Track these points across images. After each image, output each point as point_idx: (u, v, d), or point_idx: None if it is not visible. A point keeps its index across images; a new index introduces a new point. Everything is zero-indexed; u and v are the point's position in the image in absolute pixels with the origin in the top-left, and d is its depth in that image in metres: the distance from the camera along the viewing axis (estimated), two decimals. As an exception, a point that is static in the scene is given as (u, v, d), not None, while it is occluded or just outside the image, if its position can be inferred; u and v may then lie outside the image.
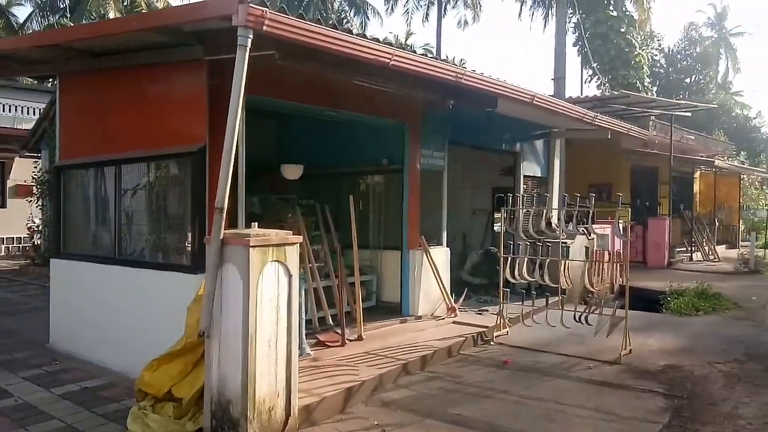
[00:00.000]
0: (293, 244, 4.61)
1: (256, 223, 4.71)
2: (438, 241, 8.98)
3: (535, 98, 7.72)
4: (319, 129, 9.46)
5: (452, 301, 8.76)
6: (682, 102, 14.91)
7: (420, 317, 8.36)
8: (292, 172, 7.89)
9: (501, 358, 6.91)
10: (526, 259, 7.79)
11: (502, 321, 7.97)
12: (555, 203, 11.74)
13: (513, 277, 7.89)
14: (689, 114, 20.89)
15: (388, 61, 5.46)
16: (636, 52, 29.06)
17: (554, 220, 11.27)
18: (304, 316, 6.26)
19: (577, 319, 7.35)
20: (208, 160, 5.61)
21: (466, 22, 35.30)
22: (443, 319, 8.40)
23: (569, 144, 19.36)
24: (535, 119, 10.44)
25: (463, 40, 67.61)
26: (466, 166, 11.78)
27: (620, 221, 13.58)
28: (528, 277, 7.81)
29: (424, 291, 8.49)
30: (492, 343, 7.67)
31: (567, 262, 7.66)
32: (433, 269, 8.49)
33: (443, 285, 8.54)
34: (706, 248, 18.79)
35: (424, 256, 8.48)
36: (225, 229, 4.42)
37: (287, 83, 6.35)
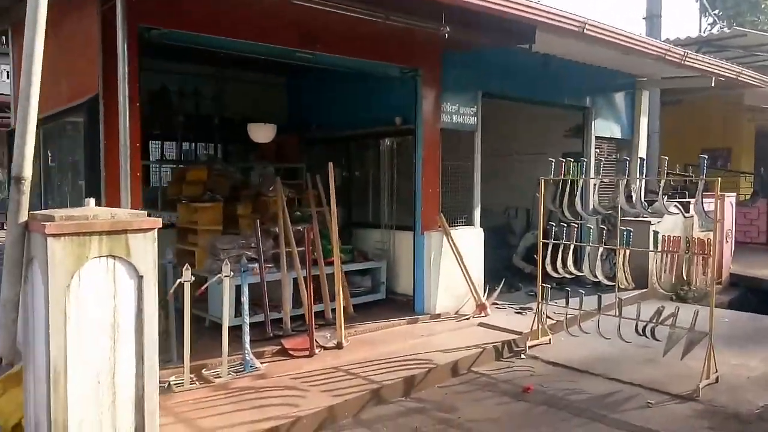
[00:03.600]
0: (145, 230, 3.11)
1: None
2: (468, 220, 7.13)
3: (587, 26, 5.60)
4: (332, 86, 7.89)
5: (482, 296, 6.93)
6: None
7: (438, 316, 6.63)
8: (260, 133, 6.40)
9: (523, 383, 5.06)
10: (571, 247, 5.78)
11: (540, 327, 6.06)
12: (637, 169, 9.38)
13: (555, 270, 5.92)
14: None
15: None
16: (767, -7, 24.46)
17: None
18: (247, 320, 4.80)
19: (641, 331, 5.28)
20: (103, 113, 4.24)
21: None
22: (468, 319, 6.61)
23: (678, 103, 16.35)
24: (606, 63, 8.20)
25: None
26: (524, 125, 9.69)
27: (731, 196, 10.87)
28: (574, 270, 5.82)
29: (445, 283, 6.73)
30: (523, 356, 5.80)
31: (632, 250, 5.54)
32: (456, 256, 6.69)
33: (469, 276, 6.72)
34: None
35: (445, 239, 6.69)
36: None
37: (229, 15, 4.83)
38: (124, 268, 3.05)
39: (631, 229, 5.47)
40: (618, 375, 5.20)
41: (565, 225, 5.82)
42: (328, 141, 8.06)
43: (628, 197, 8.83)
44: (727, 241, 10.44)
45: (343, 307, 6.29)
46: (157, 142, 7.49)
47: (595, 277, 5.67)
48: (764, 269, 10.47)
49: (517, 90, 7.61)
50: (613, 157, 9.00)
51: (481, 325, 6.46)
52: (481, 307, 6.75)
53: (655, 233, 5.21)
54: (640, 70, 8.86)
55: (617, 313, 5.41)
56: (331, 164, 5.82)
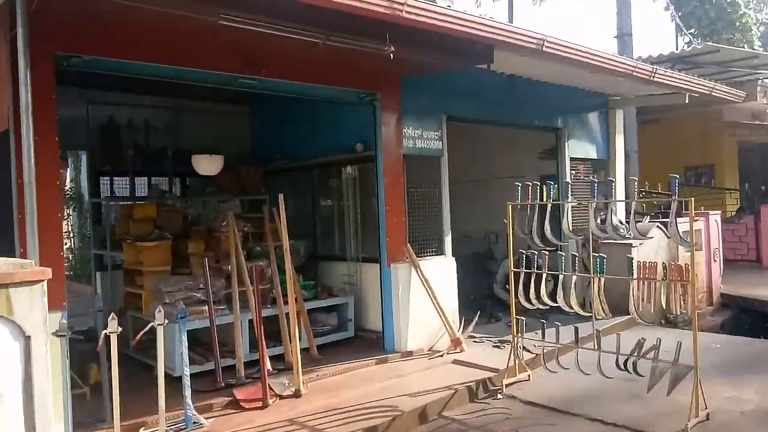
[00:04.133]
0: (31, 282, 2.68)
1: None
2: (438, 249, 6.74)
3: (546, 43, 5.31)
4: (295, 114, 7.59)
5: (457, 329, 6.50)
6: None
7: (410, 353, 6.18)
8: (205, 165, 6.01)
9: (497, 428, 4.60)
10: (544, 276, 5.38)
11: (517, 363, 5.62)
12: (618, 189, 9.07)
13: (528, 300, 5.52)
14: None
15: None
16: (741, 12, 24.66)
17: (619, 216, 8.68)
18: (187, 371, 4.33)
19: (622, 365, 4.86)
20: (15, 150, 3.85)
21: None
22: (441, 355, 6.16)
23: (656, 122, 16.22)
24: (576, 82, 7.94)
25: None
26: (500, 148, 9.40)
27: (715, 213, 10.57)
28: (548, 301, 5.41)
29: (416, 318, 6.30)
30: (499, 395, 5.35)
31: (606, 277, 5.15)
32: (426, 288, 6.28)
33: (441, 309, 6.29)
34: None
35: (414, 270, 6.29)
36: None
37: (161, 39, 4.49)
38: (6, 328, 2.62)
39: (605, 256, 5.09)
40: (600, 415, 4.75)
41: (536, 253, 5.44)
42: (292, 171, 7.70)
43: (603, 221, 8.58)
44: (715, 260, 10.10)
45: (306, 348, 5.89)
46: (106, 178, 7.07)
47: (570, 307, 5.26)
48: (756, 288, 10.11)
49: (484, 113, 7.31)
50: (590, 178, 8.68)
51: (455, 362, 6.01)
52: (455, 342, 6.31)
53: (629, 259, 4.83)
54: (613, 89, 8.62)
55: (595, 347, 4.99)
56: (281, 196, 5.43)
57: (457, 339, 6.31)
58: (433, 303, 6.28)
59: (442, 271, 6.63)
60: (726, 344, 6.93)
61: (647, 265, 4.69)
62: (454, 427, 4.68)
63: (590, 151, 8.88)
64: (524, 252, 5.53)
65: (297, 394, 4.97)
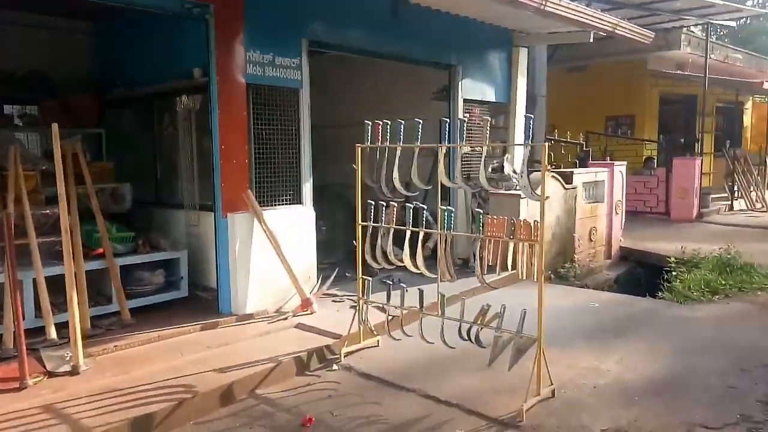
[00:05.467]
0: None
1: None
2: (293, 197, 5.85)
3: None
4: (137, 33, 6.37)
5: (311, 289, 5.72)
6: (720, 3, 10.91)
7: (250, 316, 5.36)
8: None
9: (312, 409, 3.87)
10: (391, 231, 4.58)
11: (363, 328, 4.89)
12: (518, 135, 8.39)
13: (375, 260, 4.73)
14: (733, 23, 16.56)
15: None
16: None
17: (514, 165, 8.01)
18: None
19: (465, 335, 4.18)
20: None
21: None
22: (285, 319, 5.37)
23: (583, 69, 15.59)
24: (472, 13, 7.02)
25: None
26: (385, 87, 8.49)
27: (620, 164, 10.08)
28: (394, 260, 4.64)
29: (259, 276, 5.46)
30: (336, 366, 4.62)
31: (454, 234, 4.39)
32: (272, 242, 5.41)
33: (288, 265, 5.45)
34: (753, 195, 14.92)
35: (256, 222, 5.39)
36: None
37: None
38: None
39: (453, 209, 4.31)
40: (436, 390, 4.08)
41: (384, 205, 4.63)
42: (133, 102, 6.55)
43: (495, 169, 7.88)
44: (617, 213, 9.67)
45: (117, 312, 4.95)
46: None
47: (416, 267, 4.51)
48: (657, 242, 9.79)
49: (359, 41, 6.33)
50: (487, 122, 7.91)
51: (299, 326, 5.24)
52: (305, 304, 5.53)
53: (477, 213, 4.06)
54: (514, 23, 7.75)
55: (439, 313, 4.29)
56: (55, 126, 4.33)
57: (306, 300, 5.52)
58: (280, 259, 5.43)
59: (296, 222, 5.78)
60: (606, 303, 6.44)
61: (495, 221, 3.94)
62: (260, 410, 3.91)
63: (488, 93, 8.07)
64: (372, 202, 4.70)
65: (74, 371, 4.06)
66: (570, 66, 15.31)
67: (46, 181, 5.32)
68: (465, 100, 7.72)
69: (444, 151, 4.35)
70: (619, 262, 9.50)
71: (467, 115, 7.75)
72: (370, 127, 4.59)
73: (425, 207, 4.79)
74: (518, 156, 8.45)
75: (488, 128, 4.35)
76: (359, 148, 4.72)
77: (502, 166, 7.75)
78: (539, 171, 9.19)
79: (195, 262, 5.76)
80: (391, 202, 4.61)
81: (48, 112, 6.33)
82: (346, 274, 6.57)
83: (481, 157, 4.44)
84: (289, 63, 5.68)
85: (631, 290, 7.72)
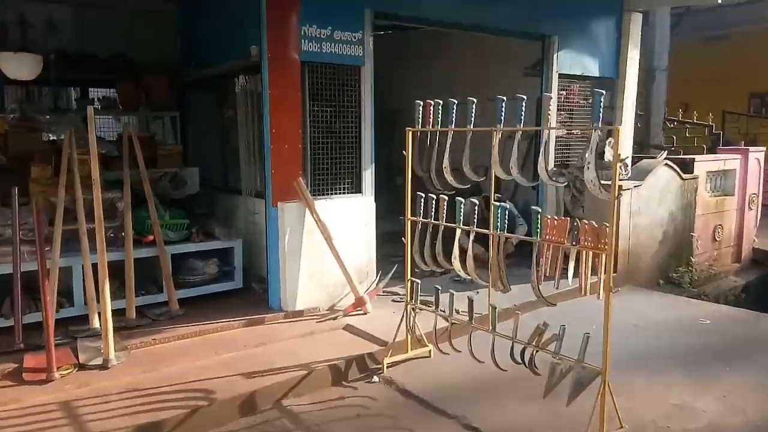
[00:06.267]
0: None
1: None
2: (354, 186, 5.40)
3: None
4: (213, 11, 6.21)
5: (369, 285, 5.28)
6: None
7: (300, 313, 5.03)
8: (14, 66, 4.78)
9: (338, 429, 3.44)
10: (441, 228, 3.98)
11: (410, 337, 4.37)
12: (626, 116, 7.32)
13: (423, 261, 4.17)
14: None
15: None
16: None
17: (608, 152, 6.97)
18: None
19: (518, 358, 3.51)
20: None
21: None
22: (335, 318, 4.98)
23: (725, 39, 13.58)
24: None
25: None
26: (472, 61, 7.74)
27: (758, 150, 8.46)
28: (444, 262, 4.04)
29: (311, 270, 5.10)
30: (376, 378, 4.15)
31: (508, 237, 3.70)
32: (323, 233, 5.02)
33: (340, 260, 5.03)
34: None
35: (308, 213, 5.02)
36: None
37: None
38: None
39: (507, 205, 3.62)
40: (480, 419, 3.48)
41: (434, 198, 4.03)
42: (201, 83, 6.43)
43: (602, 155, 6.88)
44: (751, 208, 8.22)
45: (165, 302, 4.84)
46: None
47: (467, 273, 3.88)
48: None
49: (434, 10, 5.68)
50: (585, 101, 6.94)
51: (347, 328, 4.83)
52: (358, 302, 5.10)
53: (536, 212, 3.34)
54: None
55: (491, 328, 3.65)
56: (90, 108, 4.19)
57: (360, 298, 5.09)
58: (333, 253, 5.03)
59: (354, 213, 5.34)
60: (720, 320, 5.35)
61: (554, 222, 3.21)
62: (279, 425, 3.54)
63: (590, 67, 7.06)
64: (422, 195, 4.13)
65: (104, 366, 3.94)
66: (705, 35, 13.41)
67: (110, 166, 5.34)
68: (561, 76, 6.79)
69: (499, 135, 3.63)
70: (752, 267, 8.10)
71: (563, 93, 6.85)
72: (419, 108, 3.99)
73: (504, 199, 4.10)
74: (627, 143, 7.40)
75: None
76: (409, 132, 4.15)
77: (603, 153, 6.75)
78: (653, 157, 8.02)
79: (252, 252, 5.53)
80: (440, 196, 4.00)
81: (125, 94, 6.38)
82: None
83: (579, 142, 3.69)
84: (350, 37, 5.19)
85: (764, 302, 6.45)
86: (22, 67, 4.85)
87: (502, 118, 3.56)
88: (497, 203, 3.55)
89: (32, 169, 4.91)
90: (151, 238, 4.90)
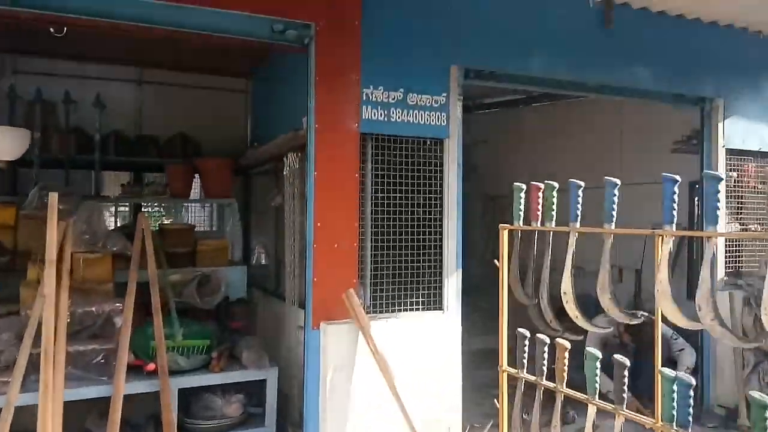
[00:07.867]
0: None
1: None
2: (429, 300, 3.88)
3: None
4: (280, 86, 5.28)
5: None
6: None
7: (344, 484, 3.45)
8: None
9: None
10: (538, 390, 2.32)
11: None
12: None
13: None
14: None
15: None
16: None
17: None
18: None
19: None
20: None
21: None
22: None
23: None
24: (738, 19, 4.52)
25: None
26: (601, 137, 6.12)
27: None
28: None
29: (364, 416, 3.55)
30: None
31: None
32: (381, 368, 3.49)
33: (404, 407, 3.44)
34: None
35: (361, 338, 3.54)
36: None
37: None
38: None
39: (690, 381, 1.91)
40: None
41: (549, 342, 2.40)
42: (260, 165, 5.38)
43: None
44: None
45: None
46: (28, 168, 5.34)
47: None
48: None
49: (548, 67, 4.25)
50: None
51: None
52: (430, 475, 3.43)
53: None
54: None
55: None
56: (53, 195, 3.13)
57: (433, 469, 3.42)
58: (392, 394, 3.47)
59: (430, 337, 3.79)
60: None
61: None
62: None
63: (769, 139, 5.18)
64: (526, 336, 2.51)
65: None
66: None
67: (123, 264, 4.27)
68: (730, 151, 4.97)
69: (669, 245, 2.00)
70: None
71: (733, 174, 5.00)
72: (516, 193, 2.48)
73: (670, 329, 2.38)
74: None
75: None
76: (503, 232, 2.62)
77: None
78: None
79: (294, 385, 4.10)
80: (559, 341, 2.37)
81: (175, 178, 5.49)
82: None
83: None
84: (429, 102, 3.87)
85: None
86: (4, 143, 3.98)
87: (674, 214, 1.95)
88: (667, 370, 1.85)
89: (28, 269, 3.94)
90: (152, 366, 3.65)
